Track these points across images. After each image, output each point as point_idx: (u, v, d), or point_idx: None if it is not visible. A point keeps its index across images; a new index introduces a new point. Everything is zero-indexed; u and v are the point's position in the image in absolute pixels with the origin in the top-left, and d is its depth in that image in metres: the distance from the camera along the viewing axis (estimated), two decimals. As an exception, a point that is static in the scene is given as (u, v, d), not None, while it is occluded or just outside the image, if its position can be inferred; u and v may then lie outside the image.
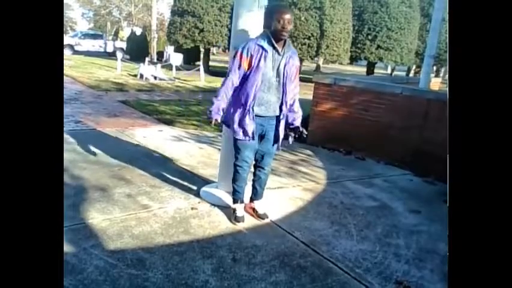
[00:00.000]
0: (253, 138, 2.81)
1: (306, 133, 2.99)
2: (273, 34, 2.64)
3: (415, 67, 22.00)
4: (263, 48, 2.65)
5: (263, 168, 3.01)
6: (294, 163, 4.73)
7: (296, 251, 2.68)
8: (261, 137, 2.93)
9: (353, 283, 2.37)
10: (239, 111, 2.78)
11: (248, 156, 2.89)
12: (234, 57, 2.74)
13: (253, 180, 3.08)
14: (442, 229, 3.17)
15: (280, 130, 2.93)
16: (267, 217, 3.05)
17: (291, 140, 3.02)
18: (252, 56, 2.65)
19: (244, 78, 2.72)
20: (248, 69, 2.68)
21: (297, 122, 2.97)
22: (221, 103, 2.77)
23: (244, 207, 3.12)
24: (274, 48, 2.66)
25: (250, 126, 2.77)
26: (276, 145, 2.99)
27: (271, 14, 2.65)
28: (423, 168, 4.59)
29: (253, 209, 3.09)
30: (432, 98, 4.81)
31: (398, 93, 5.08)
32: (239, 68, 2.69)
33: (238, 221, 2.95)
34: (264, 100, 2.77)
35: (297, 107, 2.98)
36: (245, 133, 2.80)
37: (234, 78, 2.73)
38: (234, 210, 3.02)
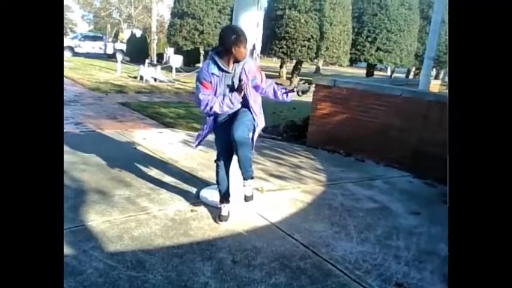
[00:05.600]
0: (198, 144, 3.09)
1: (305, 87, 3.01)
2: (229, 56, 2.75)
3: (415, 69, 22.04)
4: (215, 75, 2.79)
5: (237, 149, 2.83)
6: (294, 165, 4.73)
7: (296, 252, 2.68)
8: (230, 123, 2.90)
9: (352, 285, 2.37)
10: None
11: (220, 155, 3.00)
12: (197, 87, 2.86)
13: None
14: (442, 230, 3.17)
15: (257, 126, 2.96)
16: (252, 199, 2.95)
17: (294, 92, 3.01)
18: (210, 82, 2.80)
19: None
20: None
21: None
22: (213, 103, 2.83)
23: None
24: (223, 70, 2.79)
25: (203, 133, 3.01)
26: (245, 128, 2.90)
27: (232, 37, 2.72)
28: (423, 170, 4.59)
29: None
30: (432, 100, 4.81)
31: (397, 95, 5.09)
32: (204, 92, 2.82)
33: (222, 220, 3.01)
34: (224, 105, 2.86)
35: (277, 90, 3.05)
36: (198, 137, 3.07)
37: (207, 93, 2.82)
38: (220, 209, 3.07)
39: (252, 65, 2.91)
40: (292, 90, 3.02)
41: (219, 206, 3.09)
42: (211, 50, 2.94)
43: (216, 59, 2.79)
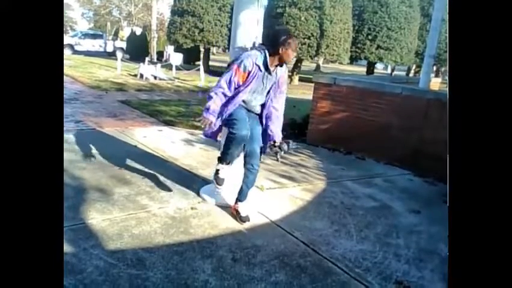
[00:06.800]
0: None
1: (287, 148, 2.93)
2: (275, 56, 2.76)
3: (415, 67, 22.01)
4: (259, 68, 2.78)
5: (252, 166, 2.97)
6: (294, 163, 4.73)
7: (296, 250, 2.68)
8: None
9: (352, 283, 2.37)
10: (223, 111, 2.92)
11: (242, 128, 2.78)
12: (229, 67, 2.85)
13: (243, 180, 3.05)
14: (442, 229, 3.17)
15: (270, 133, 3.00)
16: (248, 220, 3.00)
17: (278, 156, 2.93)
18: (249, 72, 2.77)
19: (235, 89, 2.84)
20: (242, 82, 2.80)
21: (276, 136, 2.95)
22: (215, 108, 2.81)
23: (230, 208, 3.13)
24: (267, 69, 2.80)
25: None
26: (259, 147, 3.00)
27: (281, 38, 2.72)
28: (423, 168, 4.59)
29: (237, 211, 3.06)
30: (432, 98, 4.81)
31: (398, 93, 5.08)
32: (230, 80, 2.78)
33: (219, 184, 2.99)
34: (253, 101, 2.93)
35: (275, 116, 2.97)
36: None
37: (226, 89, 2.80)
38: (217, 171, 3.00)
39: (285, 78, 2.96)
40: (274, 146, 2.92)
41: (217, 167, 3.01)
42: (260, 43, 2.93)
43: (267, 55, 2.78)
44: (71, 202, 3.04)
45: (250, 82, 2.78)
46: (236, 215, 3.05)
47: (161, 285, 2.17)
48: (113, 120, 6.42)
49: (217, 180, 3.00)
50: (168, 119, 6.77)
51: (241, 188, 3.06)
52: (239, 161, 3.06)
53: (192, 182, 3.75)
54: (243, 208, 3.06)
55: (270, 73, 2.80)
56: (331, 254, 2.67)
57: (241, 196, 3.06)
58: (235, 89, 2.82)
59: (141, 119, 6.70)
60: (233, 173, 3.11)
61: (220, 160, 3.01)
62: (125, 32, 33.99)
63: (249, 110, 2.95)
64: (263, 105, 2.98)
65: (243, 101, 2.89)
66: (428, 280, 2.49)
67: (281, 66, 2.85)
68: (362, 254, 2.70)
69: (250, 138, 2.91)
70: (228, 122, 2.87)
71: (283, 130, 3.08)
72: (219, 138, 3.24)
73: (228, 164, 2.99)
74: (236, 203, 3.08)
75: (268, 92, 2.92)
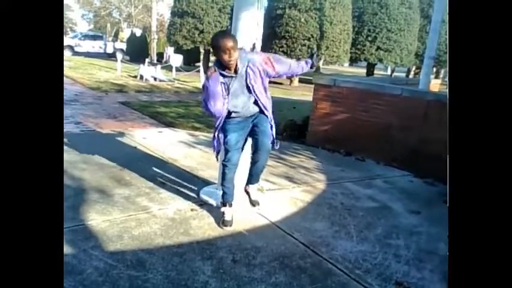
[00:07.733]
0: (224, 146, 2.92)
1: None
2: (223, 64, 2.68)
3: (415, 68, 22.04)
4: (222, 82, 2.71)
5: (262, 157, 2.89)
6: (294, 164, 4.73)
7: (296, 252, 2.68)
8: (251, 131, 2.90)
9: (352, 284, 2.37)
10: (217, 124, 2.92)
11: (232, 156, 2.88)
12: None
13: (251, 163, 2.99)
14: (442, 230, 3.17)
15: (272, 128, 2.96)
16: (258, 204, 3.09)
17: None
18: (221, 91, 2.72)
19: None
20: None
21: None
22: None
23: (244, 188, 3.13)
24: (225, 76, 2.71)
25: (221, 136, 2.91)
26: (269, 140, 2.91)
27: (215, 46, 2.65)
28: (423, 169, 4.59)
29: (248, 193, 3.10)
30: (432, 99, 4.81)
31: (397, 94, 5.08)
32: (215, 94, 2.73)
33: (226, 225, 2.93)
34: (240, 107, 2.82)
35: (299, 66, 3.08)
36: (221, 141, 2.93)
37: (220, 108, 2.77)
38: (223, 213, 3.00)
39: (255, 62, 2.75)
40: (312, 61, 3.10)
41: (222, 210, 3.02)
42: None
43: (219, 65, 2.70)
44: (71, 203, 3.04)
45: (227, 94, 2.73)
46: (247, 195, 3.10)
47: (161, 286, 2.17)
48: (113, 121, 6.43)
49: (225, 223, 2.96)
50: (168, 121, 6.77)
51: (251, 170, 3.01)
52: (242, 161, 3.05)
53: (192, 183, 3.75)
54: (254, 191, 3.10)
55: (231, 77, 2.71)
56: (331, 255, 2.67)
57: (251, 178, 3.05)
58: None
59: (141, 120, 6.70)
60: (236, 173, 3.10)
61: (223, 204, 3.03)
62: (125, 34, 34.03)
63: (246, 117, 2.86)
64: (256, 102, 2.86)
65: (235, 112, 2.81)
66: (428, 281, 2.48)
67: (232, 67, 2.70)
68: (362, 255, 2.70)
69: (259, 133, 2.85)
70: (224, 149, 2.93)
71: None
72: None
73: (231, 206, 3.02)
74: (247, 184, 3.10)
75: (251, 89, 2.77)
